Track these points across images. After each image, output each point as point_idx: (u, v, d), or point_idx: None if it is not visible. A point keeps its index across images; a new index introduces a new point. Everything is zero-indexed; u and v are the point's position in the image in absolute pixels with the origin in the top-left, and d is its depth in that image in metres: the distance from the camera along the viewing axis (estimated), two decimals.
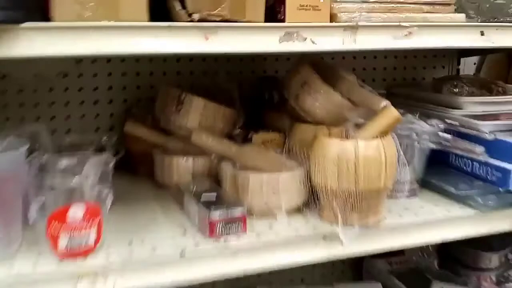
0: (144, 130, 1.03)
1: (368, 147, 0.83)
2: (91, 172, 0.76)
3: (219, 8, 0.68)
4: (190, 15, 0.68)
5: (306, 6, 0.75)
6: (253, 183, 0.86)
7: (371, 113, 0.90)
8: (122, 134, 1.04)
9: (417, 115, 1.03)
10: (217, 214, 0.79)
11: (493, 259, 1.23)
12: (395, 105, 1.09)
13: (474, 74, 1.42)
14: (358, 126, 0.91)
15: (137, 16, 0.66)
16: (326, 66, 0.98)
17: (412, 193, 0.99)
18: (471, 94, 1.12)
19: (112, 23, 0.65)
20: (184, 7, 0.69)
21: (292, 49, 0.74)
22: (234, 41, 0.70)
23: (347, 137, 0.90)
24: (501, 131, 1.04)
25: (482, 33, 0.85)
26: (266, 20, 0.74)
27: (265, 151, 0.93)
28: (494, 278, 1.25)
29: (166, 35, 0.68)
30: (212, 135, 0.93)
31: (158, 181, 1.02)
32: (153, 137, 1.02)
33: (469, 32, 0.84)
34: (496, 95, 1.12)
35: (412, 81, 1.40)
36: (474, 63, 1.47)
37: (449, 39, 0.82)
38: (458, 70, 1.41)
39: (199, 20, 0.68)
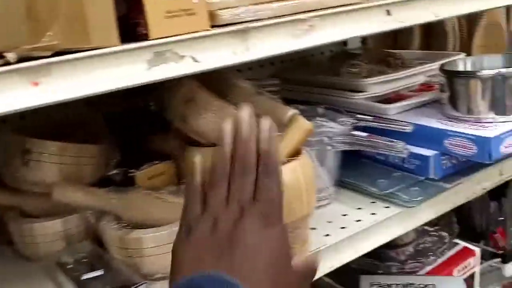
0: None
1: (284, 174, 0.62)
2: None
3: (47, 37, 0.41)
4: (1, 56, 0.40)
5: (176, 11, 0.50)
6: (149, 243, 0.61)
7: (276, 124, 0.69)
8: None
9: (322, 108, 0.84)
10: None
11: (409, 233, 1.11)
12: (293, 95, 0.89)
13: (361, 42, 1.25)
14: None
15: None
16: (213, 74, 0.73)
17: (330, 199, 0.81)
18: (371, 72, 0.95)
19: None
20: None
21: (169, 75, 0.49)
22: (79, 80, 0.43)
23: None
24: (406, 110, 0.89)
25: (388, 13, 0.65)
26: (123, 40, 0.48)
27: (155, 195, 0.68)
28: (412, 250, 1.14)
29: None
30: (81, 185, 0.67)
31: (20, 252, 0.73)
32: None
33: (374, 14, 0.64)
34: (395, 68, 0.96)
35: (301, 60, 1.20)
36: None
37: (355, 28, 0.62)
38: (345, 42, 1.24)
39: (20, 61, 0.41)
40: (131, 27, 0.50)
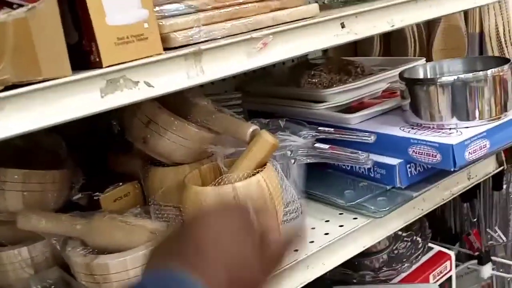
0: None
1: (248, 187, 0.65)
2: None
3: None
4: None
5: (127, 37, 0.52)
6: (114, 269, 0.63)
7: (238, 140, 0.72)
8: None
9: (284, 121, 0.87)
10: None
11: (382, 241, 1.14)
12: (255, 107, 0.92)
13: (322, 51, 1.29)
14: (228, 157, 0.73)
15: None
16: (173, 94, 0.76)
17: (298, 212, 0.84)
18: (331, 81, 0.98)
19: None
20: None
21: (123, 102, 0.51)
22: (32, 113, 0.45)
23: (220, 174, 0.71)
24: (369, 119, 0.93)
25: (342, 25, 0.69)
26: (77, 68, 0.50)
27: (119, 219, 0.70)
28: (386, 257, 1.17)
29: None
30: (45, 212, 0.68)
31: None
32: None
33: (329, 27, 0.67)
34: (356, 76, 0.99)
35: (263, 71, 1.23)
36: None
37: (309, 43, 0.65)
38: None
39: None
40: (84, 55, 0.52)
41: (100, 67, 0.51)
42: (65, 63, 0.49)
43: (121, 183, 0.78)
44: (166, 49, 0.56)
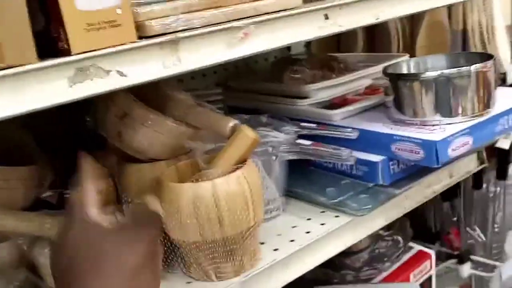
0: None
1: (227, 184, 0.63)
2: None
3: None
4: None
5: (98, 23, 0.48)
6: None
7: (217, 136, 0.69)
8: None
9: (266, 117, 0.84)
10: None
11: (363, 240, 1.13)
12: (237, 103, 0.89)
13: (305, 47, 1.27)
14: (206, 154, 0.70)
15: None
16: (146, 85, 0.72)
17: (279, 210, 0.81)
18: (314, 77, 0.96)
19: None
20: None
21: (93, 91, 0.48)
22: None
23: (198, 171, 0.68)
24: (352, 115, 0.91)
25: (326, 17, 0.66)
26: (43, 56, 0.46)
27: None
28: (367, 256, 1.16)
29: None
30: (12, 210, 0.64)
31: None
32: None
33: (312, 19, 0.65)
34: (339, 72, 0.97)
35: (245, 67, 1.21)
36: None
37: (292, 34, 0.62)
38: (288, 47, 1.25)
39: None
40: (51, 42, 0.49)
41: (69, 54, 0.47)
42: (31, 50, 0.45)
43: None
44: (141, 37, 0.53)
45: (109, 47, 0.48)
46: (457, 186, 1.31)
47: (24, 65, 0.44)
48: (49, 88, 0.45)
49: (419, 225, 1.37)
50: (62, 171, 0.75)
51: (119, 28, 0.50)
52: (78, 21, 0.47)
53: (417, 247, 1.20)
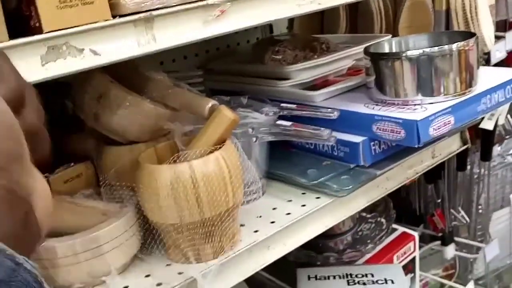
0: None
1: (205, 165, 0.63)
2: None
3: None
4: None
5: (70, 1, 0.49)
6: (63, 253, 0.60)
7: (196, 117, 0.69)
8: None
9: (246, 98, 0.85)
10: None
11: (346, 222, 1.15)
12: (218, 86, 0.90)
13: (287, 28, 1.28)
14: (185, 135, 0.70)
15: None
16: (124, 67, 0.73)
17: (260, 192, 0.82)
18: (296, 58, 0.97)
19: None
20: None
21: (66, 70, 0.48)
22: None
23: (177, 153, 0.68)
24: (333, 96, 0.92)
25: None
26: (14, 35, 0.46)
27: (68, 200, 0.67)
28: (350, 238, 1.18)
29: None
30: None
31: None
32: None
33: None
34: (321, 53, 0.98)
35: (227, 49, 1.21)
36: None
37: (270, 11, 0.63)
38: (271, 27, 1.26)
39: None
40: (23, 20, 0.49)
41: (41, 32, 0.47)
42: (1, 28, 0.45)
43: (72, 164, 0.74)
44: (115, 16, 0.53)
45: (82, 25, 0.49)
46: (441, 168, 1.33)
47: None
48: (21, 67, 0.45)
49: (403, 207, 1.40)
50: None
51: (92, 5, 0.50)
52: None
53: (400, 229, 1.22)
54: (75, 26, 0.48)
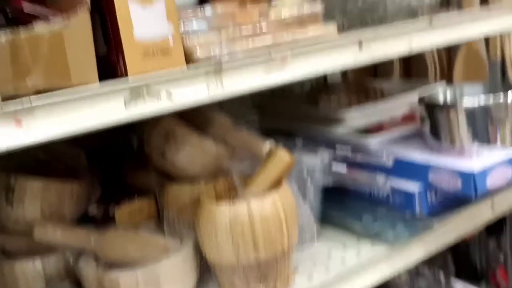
0: None
1: (263, 206, 0.70)
2: None
3: (29, 78, 0.50)
4: None
5: (153, 51, 0.59)
6: (125, 284, 0.68)
7: (255, 159, 0.77)
8: None
9: (301, 140, 0.91)
10: None
11: (402, 276, 1.17)
12: (272, 127, 0.96)
13: (341, 74, 1.35)
14: (244, 176, 0.78)
15: None
16: (191, 109, 0.82)
17: (314, 237, 0.87)
18: (350, 103, 1.03)
19: None
20: None
21: (146, 111, 0.57)
22: (61, 121, 0.52)
23: (235, 193, 0.76)
24: (387, 143, 0.97)
25: (360, 46, 0.75)
26: (102, 79, 0.56)
27: (133, 233, 0.75)
28: None
29: None
30: (61, 223, 0.73)
31: None
32: None
33: (346, 47, 0.73)
34: (375, 98, 1.04)
35: (281, 93, 1.29)
36: None
37: (327, 62, 0.71)
38: (325, 76, 1.33)
39: (4, 99, 0.49)
40: (112, 67, 0.59)
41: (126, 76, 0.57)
42: (94, 73, 0.55)
43: (136, 197, 0.83)
44: (188, 63, 0.63)
45: (160, 71, 0.58)
46: (503, 220, 1.33)
47: (87, 84, 0.54)
48: (107, 107, 0.54)
49: (463, 261, 1.39)
50: (107, 186, 0.85)
51: (171, 55, 0.60)
52: (135, 49, 0.57)
53: (460, 285, 1.21)
54: (154, 72, 0.58)
